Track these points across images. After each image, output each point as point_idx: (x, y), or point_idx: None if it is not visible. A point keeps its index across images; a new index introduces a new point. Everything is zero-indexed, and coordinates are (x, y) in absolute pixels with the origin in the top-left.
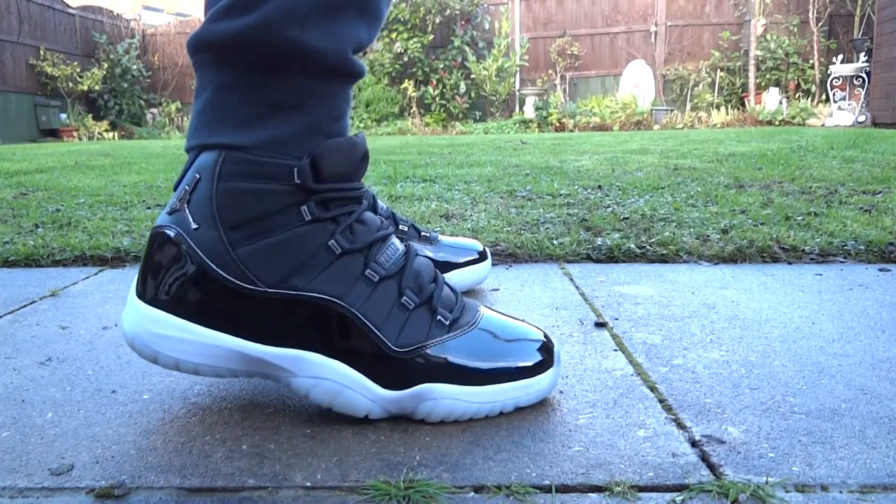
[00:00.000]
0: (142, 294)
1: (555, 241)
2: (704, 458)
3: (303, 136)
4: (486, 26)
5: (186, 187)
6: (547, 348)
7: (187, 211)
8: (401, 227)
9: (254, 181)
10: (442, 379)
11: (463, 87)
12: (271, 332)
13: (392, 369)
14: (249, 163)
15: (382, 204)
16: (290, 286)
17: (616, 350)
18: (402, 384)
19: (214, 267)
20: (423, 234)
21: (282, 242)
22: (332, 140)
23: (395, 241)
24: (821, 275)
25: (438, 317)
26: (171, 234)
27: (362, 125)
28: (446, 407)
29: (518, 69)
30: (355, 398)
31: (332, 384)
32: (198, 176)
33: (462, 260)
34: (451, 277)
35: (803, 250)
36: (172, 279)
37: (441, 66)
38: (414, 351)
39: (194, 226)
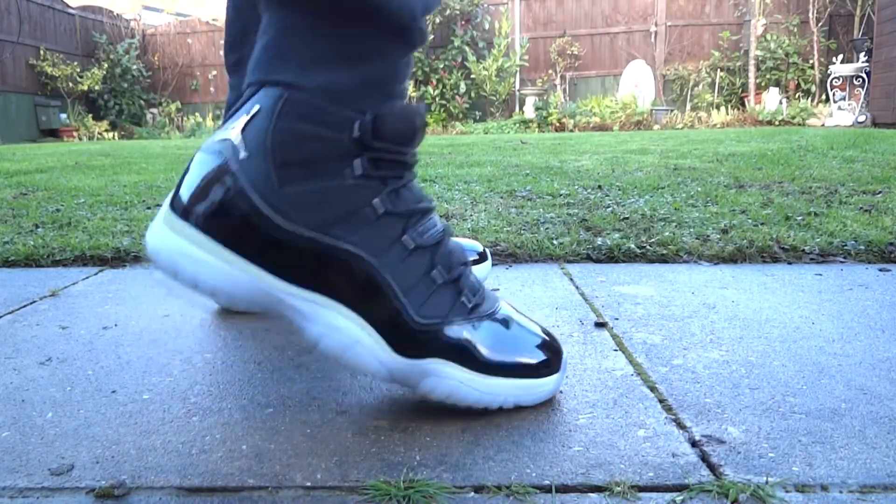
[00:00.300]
0: (176, 208)
1: (555, 241)
2: (704, 458)
3: (363, 89)
4: (486, 26)
5: (244, 115)
6: (556, 353)
7: (240, 138)
8: None
9: (314, 125)
10: (452, 359)
11: (463, 87)
12: (299, 273)
13: (407, 337)
14: (313, 106)
15: None
16: (328, 233)
17: (616, 350)
18: (412, 354)
19: (258, 198)
20: None
21: (329, 190)
22: (398, 102)
23: (436, 216)
24: (821, 275)
25: (462, 298)
26: (217, 157)
27: None
28: (449, 387)
29: (518, 69)
30: (365, 356)
31: (345, 337)
32: (258, 107)
33: None
34: None
35: (803, 250)
36: (211, 200)
37: (441, 66)
38: (432, 325)
39: (244, 154)
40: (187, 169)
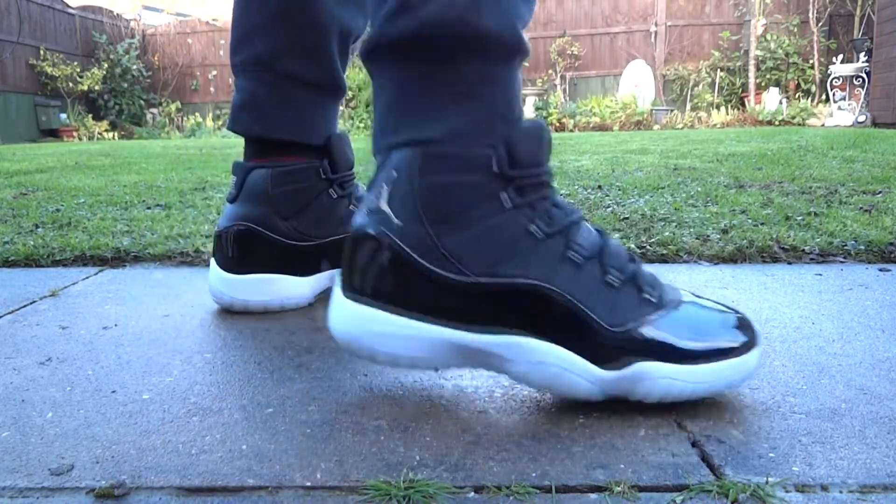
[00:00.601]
0: (350, 294)
1: None
2: (704, 458)
3: (488, 122)
4: None
5: (385, 185)
6: (748, 326)
7: (388, 209)
8: None
9: (454, 174)
10: (657, 357)
11: None
12: (485, 321)
13: (607, 349)
14: (447, 157)
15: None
16: (498, 273)
17: None
18: (618, 364)
19: (423, 261)
20: None
21: (487, 231)
22: (522, 126)
23: (587, 223)
24: (821, 275)
25: (645, 294)
26: (374, 231)
27: (362, 125)
28: (663, 387)
29: None
30: (575, 380)
31: (551, 367)
32: (395, 174)
33: None
34: None
35: (803, 250)
36: (382, 276)
37: None
38: (627, 330)
39: (398, 223)
40: (348, 251)
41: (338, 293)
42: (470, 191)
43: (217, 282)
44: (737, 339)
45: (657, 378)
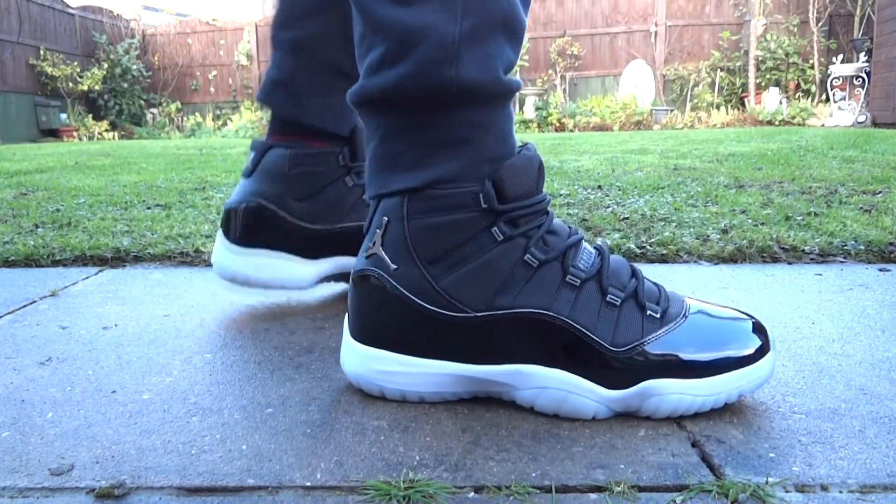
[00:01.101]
0: (357, 336)
1: None
2: (704, 458)
3: (474, 163)
4: None
5: (378, 230)
6: (761, 331)
7: (383, 253)
8: None
9: (443, 214)
10: (664, 374)
11: None
12: (487, 353)
13: (613, 370)
14: (434, 198)
15: None
16: (496, 307)
17: None
18: (624, 383)
19: (421, 302)
20: None
21: (481, 267)
22: (509, 161)
23: (586, 244)
24: (821, 275)
25: (648, 311)
26: (373, 275)
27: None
28: (672, 402)
29: (518, 69)
30: (581, 402)
31: (556, 392)
32: (386, 219)
33: None
34: None
35: (803, 250)
36: (383, 318)
37: None
38: (632, 349)
39: (393, 266)
40: (351, 294)
41: (346, 334)
42: (460, 228)
43: (223, 255)
44: (746, 347)
45: (665, 394)
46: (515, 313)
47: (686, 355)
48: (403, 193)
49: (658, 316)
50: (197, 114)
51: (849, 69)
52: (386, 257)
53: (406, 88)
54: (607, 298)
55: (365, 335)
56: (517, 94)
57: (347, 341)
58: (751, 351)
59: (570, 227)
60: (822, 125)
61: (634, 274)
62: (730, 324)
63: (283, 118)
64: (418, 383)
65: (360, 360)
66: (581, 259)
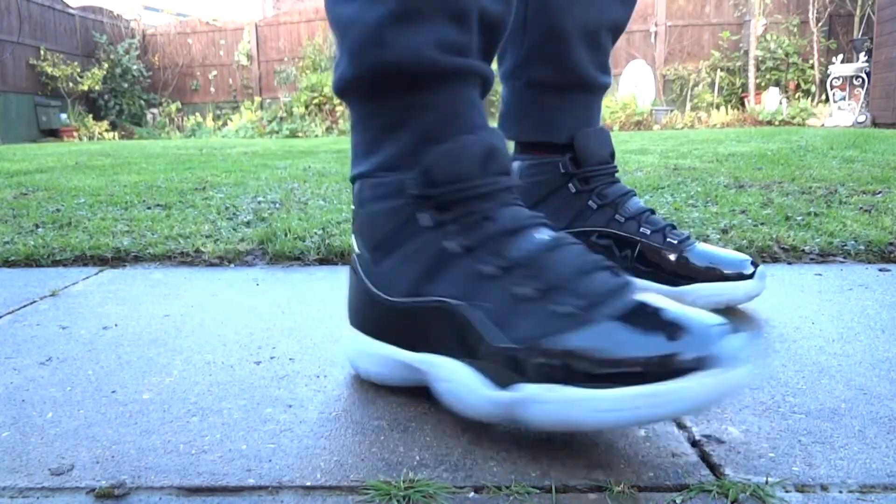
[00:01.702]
0: (349, 318)
1: None
2: (704, 458)
3: (414, 149)
4: None
5: (354, 217)
6: (713, 342)
7: (353, 238)
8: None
9: (382, 201)
10: (556, 380)
11: None
12: (414, 339)
13: (505, 368)
14: (374, 185)
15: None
16: (417, 293)
17: None
18: (511, 383)
19: (369, 285)
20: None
21: (409, 252)
22: (446, 144)
23: (540, 232)
24: (821, 275)
25: (564, 307)
26: (351, 259)
27: None
28: (554, 413)
29: None
30: (471, 400)
31: (454, 385)
32: (353, 207)
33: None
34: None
35: (803, 250)
36: (355, 302)
37: None
38: (529, 346)
39: (357, 251)
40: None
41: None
42: (392, 215)
43: None
44: (664, 354)
45: (547, 403)
46: (428, 301)
47: (582, 362)
48: (357, 180)
49: (578, 312)
50: (197, 114)
51: (849, 69)
52: (354, 242)
53: (347, 77)
54: (522, 291)
55: (350, 317)
56: (483, 76)
57: (345, 324)
58: (667, 360)
59: (519, 216)
60: (822, 125)
61: (593, 269)
62: (680, 325)
63: (515, 141)
64: (376, 364)
65: (345, 341)
66: (515, 247)
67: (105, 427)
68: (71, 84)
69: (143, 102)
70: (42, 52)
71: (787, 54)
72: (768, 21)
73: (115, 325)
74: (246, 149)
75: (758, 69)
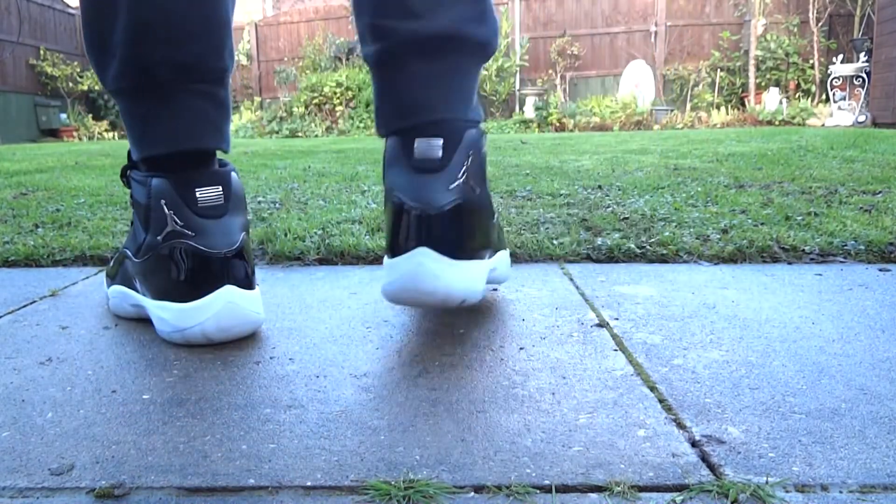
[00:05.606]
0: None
1: (555, 241)
2: (704, 458)
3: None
4: None
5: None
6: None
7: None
8: None
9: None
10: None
11: None
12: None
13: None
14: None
15: None
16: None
17: (616, 350)
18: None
19: None
20: None
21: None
22: None
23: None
24: (821, 275)
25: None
26: None
27: (362, 125)
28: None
29: (518, 69)
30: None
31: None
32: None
33: None
34: None
35: (803, 250)
36: None
37: None
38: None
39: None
40: None
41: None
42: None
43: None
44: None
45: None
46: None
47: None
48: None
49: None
50: None
51: (849, 69)
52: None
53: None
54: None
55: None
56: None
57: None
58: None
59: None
60: (822, 125)
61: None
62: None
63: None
64: None
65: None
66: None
67: (105, 427)
68: (71, 84)
69: None
70: (42, 52)
71: (787, 54)
72: (768, 21)
73: (115, 325)
74: (246, 148)
75: (758, 69)
